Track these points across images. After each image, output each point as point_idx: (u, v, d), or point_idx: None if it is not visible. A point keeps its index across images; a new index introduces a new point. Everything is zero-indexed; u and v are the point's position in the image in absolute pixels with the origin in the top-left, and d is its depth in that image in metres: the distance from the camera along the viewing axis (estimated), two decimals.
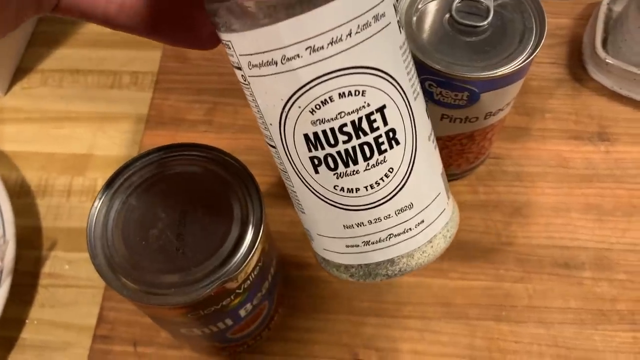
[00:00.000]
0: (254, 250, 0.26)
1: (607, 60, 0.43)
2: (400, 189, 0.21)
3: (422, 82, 0.33)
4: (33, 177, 0.47)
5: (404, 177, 0.21)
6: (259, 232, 0.27)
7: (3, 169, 0.46)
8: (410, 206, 0.22)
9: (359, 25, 0.19)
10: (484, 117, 0.35)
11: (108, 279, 0.26)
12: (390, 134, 0.20)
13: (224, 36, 0.20)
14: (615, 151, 0.43)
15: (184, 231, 0.27)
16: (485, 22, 0.32)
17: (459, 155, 0.38)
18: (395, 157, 0.21)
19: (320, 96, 0.19)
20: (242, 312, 0.30)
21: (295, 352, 0.37)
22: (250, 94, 0.21)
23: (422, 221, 0.22)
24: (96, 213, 0.28)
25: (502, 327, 0.37)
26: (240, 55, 0.20)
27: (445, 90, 0.32)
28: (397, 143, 0.21)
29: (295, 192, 0.23)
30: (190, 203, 0.28)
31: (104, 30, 0.58)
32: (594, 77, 0.45)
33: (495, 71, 0.31)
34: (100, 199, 0.28)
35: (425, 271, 0.39)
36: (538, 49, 0.32)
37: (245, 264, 0.26)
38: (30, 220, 0.45)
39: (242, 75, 0.20)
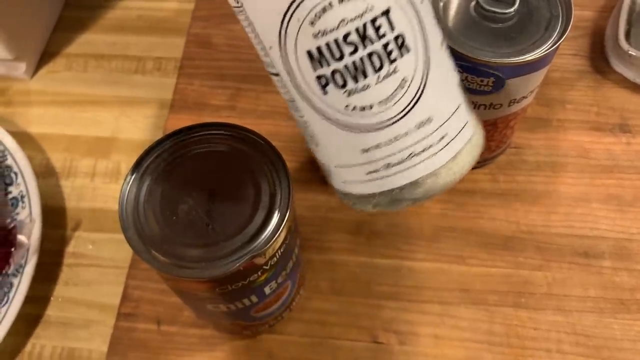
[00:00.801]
0: (282, 227, 0.27)
1: (630, 52, 0.44)
2: (417, 101, 0.19)
3: None
4: (58, 158, 0.48)
5: (419, 88, 0.19)
6: (287, 209, 0.27)
7: (29, 150, 0.47)
8: (430, 120, 0.20)
9: None
10: (507, 104, 0.35)
11: (139, 251, 0.27)
12: (399, 40, 0.19)
13: None
14: (636, 143, 0.43)
15: (213, 208, 0.28)
16: (512, 9, 0.33)
17: None
18: (407, 66, 0.19)
19: (318, 3, 0.18)
20: (267, 290, 0.31)
21: (316, 334, 0.37)
22: (245, 18, 0.19)
23: (445, 135, 0.20)
24: (128, 188, 0.28)
25: (521, 313, 0.37)
26: None
27: (471, 75, 0.33)
28: (408, 50, 0.19)
29: (305, 122, 0.22)
30: (219, 180, 0.29)
31: (129, 16, 0.59)
32: (616, 69, 0.45)
33: (521, 57, 0.31)
34: (132, 174, 0.29)
35: (444, 257, 0.39)
36: (564, 36, 0.32)
37: (273, 240, 0.27)
38: (56, 201, 0.46)
39: None
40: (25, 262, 0.40)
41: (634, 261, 0.39)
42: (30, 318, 0.41)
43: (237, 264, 0.26)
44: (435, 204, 0.41)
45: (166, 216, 0.28)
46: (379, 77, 0.19)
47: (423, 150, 0.20)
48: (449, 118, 0.21)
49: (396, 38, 0.19)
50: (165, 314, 0.38)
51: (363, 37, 0.18)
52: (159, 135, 0.47)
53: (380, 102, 0.19)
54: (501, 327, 0.37)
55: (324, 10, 0.18)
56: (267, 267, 0.28)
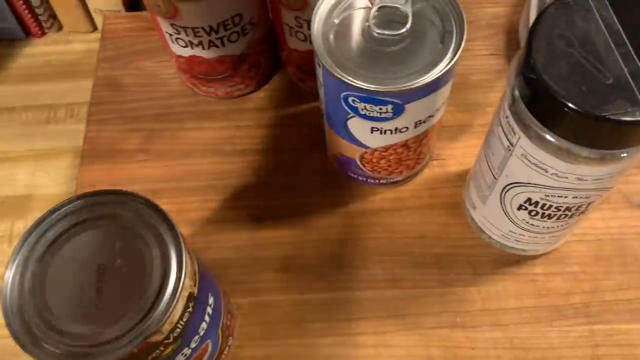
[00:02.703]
0: (176, 298, 0.25)
1: None
2: None
3: (345, 99, 0.32)
4: None
5: None
6: (180, 277, 0.26)
7: None
8: None
9: None
10: (414, 126, 0.34)
11: (26, 346, 0.25)
12: None
13: None
14: None
15: (103, 286, 0.26)
16: (404, 30, 0.31)
17: (397, 163, 0.38)
18: None
19: None
20: (180, 358, 0.29)
21: None
22: None
23: None
24: (11, 275, 0.27)
25: (457, 333, 0.37)
26: None
27: (369, 104, 0.31)
28: None
29: None
30: (109, 256, 0.27)
31: (36, 63, 0.56)
32: None
33: (414, 82, 0.30)
34: (14, 260, 0.27)
35: (375, 283, 0.38)
36: (459, 54, 0.31)
37: (168, 314, 0.25)
38: None
39: None
40: None
41: (565, 264, 0.38)
42: None
43: (129, 348, 0.24)
44: (362, 228, 0.40)
45: (54, 302, 0.26)
46: None
47: None
48: None
49: None
50: None
51: None
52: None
53: None
54: (438, 350, 0.36)
55: None
56: (171, 340, 0.27)
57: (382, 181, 0.40)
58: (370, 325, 0.37)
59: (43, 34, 0.53)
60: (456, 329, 0.37)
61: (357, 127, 0.34)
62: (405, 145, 0.35)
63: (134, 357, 0.25)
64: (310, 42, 0.38)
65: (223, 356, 0.35)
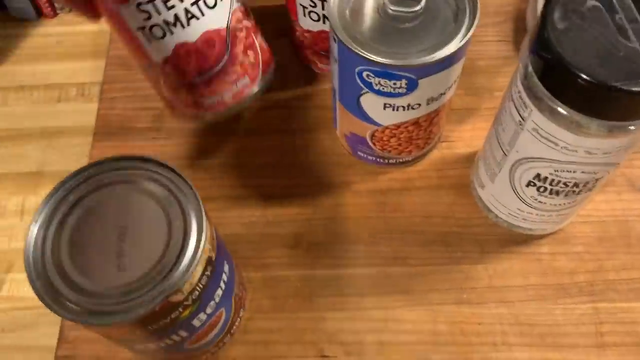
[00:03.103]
0: (196, 260, 0.26)
1: None
2: None
3: (360, 74, 0.33)
4: None
5: None
6: (201, 240, 0.27)
7: None
8: None
9: None
10: (426, 103, 0.34)
11: (49, 304, 0.26)
12: None
13: None
14: None
15: (124, 247, 0.27)
16: (418, 7, 0.32)
17: (408, 142, 0.38)
18: None
19: None
20: (197, 322, 0.30)
21: (261, 354, 0.36)
22: None
23: None
24: (33, 237, 0.27)
25: (464, 309, 0.37)
26: None
27: (383, 79, 0.32)
28: None
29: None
30: (130, 218, 0.28)
31: (48, 43, 0.57)
32: None
33: (430, 56, 0.31)
34: (36, 221, 0.27)
35: (384, 260, 0.39)
36: (472, 31, 0.32)
37: (188, 274, 0.26)
38: None
39: None
40: None
41: (570, 244, 0.39)
42: None
43: (152, 305, 0.25)
44: (371, 206, 0.41)
45: (76, 262, 0.27)
46: None
47: None
48: None
49: None
50: (105, 351, 0.37)
51: None
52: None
53: None
54: (445, 326, 0.37)
55: None
56: (189, 302, 0.27)
57: (391, 161, 0.41)
58: (378, 301, 0.38)
59: (55, 14, 0.54)
60: (463, 305, 0.37)
61: (370, 103, 0.35)
62: (416, 123, 0.36)
63: (154, 316, 0.26)
64: (324, 21, 0.39)
65: (234, 327, 0.36)
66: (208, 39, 0.35)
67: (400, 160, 0.41)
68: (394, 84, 0.32)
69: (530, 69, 0.28)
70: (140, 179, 0.28)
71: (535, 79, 0.28)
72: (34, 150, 0.48)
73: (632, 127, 0.27)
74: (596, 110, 0.27)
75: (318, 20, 0.40)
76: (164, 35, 0.34)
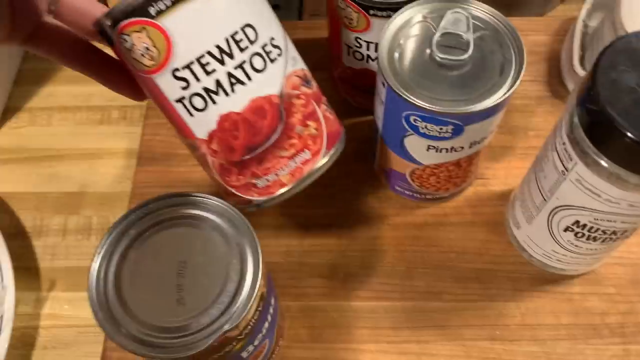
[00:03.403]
0: (253, 298, 0.27)
1: None
2: None
3: (407, 118, 0.34)
4: (27, 217, 0.47)
5: None
6: (257, 276, 0.28)
7: None
8: None
9: None
10: (469, 146, 0.36)
11: (111, 334, 0.27)
12: None
13: None
14: None
15: (183, 282, 0.28)
16: (466, 56, 0.33)
17: (447, 181, 0.39)
18: None
19: None
20: (245, 354, 0.31)
21: None
22: None
23: None
24: (97, 267, 0.28)
25: (497, 346, 0.38)
26: None
27: (430, 124, 0.33)
28: None
29: None
30: (189, 253, 0.29)
31: None
32: None
33: (476, 105, 0.32)
34: (99, 253, 0.29)
35: (419, 294, 0.40)
36: (518, 81, 0.33)
37: (245, 312, 0.27)
38: (28, 262, 0.45)
39: None
40: (0, 331, 0.39)
41: (602, 285, 0.40)
42: None
43: (210, 341, 0.26)
44: (406, 240, 0.42)
45: (136, 294, 0.28)
46: None
47: None
48: None
49: None
50: None
51: None
52: (128, 187, 0.47)
53: None
54: None
55: None
56: (242, 337, 0.29)
57: (427, 196, 0.42)
58: (413, 334, 0.39)
59: None
60: (495, 341, 0.38)
61: (414, 144, 0.36)
62: (457, 163, 0.37)
63: (210, 350, 0.27)
64: (367, 61, 0.40)
65: (274, 356, 0.37)
66: (257, 107, 0.29)
67: (437, 196, 0.42)
68: (440, 129, 0.33)
69: (576, 120, 0.29)
70: (198, 214, 0.30)
71: (581, 131, 0.29)
72: (76, 171, 0.49)
73: None
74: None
75: (361, 59, 0.41)
76: (206, 105, 0.29)
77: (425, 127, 0.34)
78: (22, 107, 0.53)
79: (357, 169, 0.45)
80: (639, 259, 0.41)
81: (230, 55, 0.28)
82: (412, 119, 0.34)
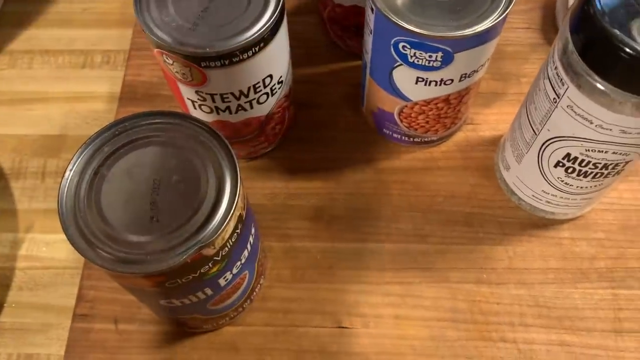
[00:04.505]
0: (230, 215, 0.26)
1: None
2: None
3: (395, 44, 0.33)
4: (6, 159, 0.46)
5: None
6: (235, 197, 0.27)
7: None
8: None
9: None
10: (458, 79, 0.34)
11: (82, 249, 0.26)
12: None
13: None
14: None
15: (157, 199, 0.27)
16: None
17: (435, 120, 0.38)
18: None
19: None
20: (222, 282, 0.30)
21: (279, 323, 0.37)
22: None
23: None
24: (67, 183, 0.27)
25: (483, 289, 0.37)
26: None
27: (419, 51, 0.32)
28: None
29: None
30: (164, 171, 0.28)
31: (74, 10, 0.57)
32: None
33: (468, 30, 0.31)
34: (71, 169, 0.27)
35: (404, 237, 0.39)
36: (511, 6, 0.32)
37: (221, 229, 0.26)
38: (5, 203, 0.44)
39: None
40: None
41: (591, 230, 0.39)
42: None
43: (184, 257, 0.25)
44: (394, 184, 0.41)
45: (109, 211, 0.27)
46: None
47: None
48: None
49: None
50: (122, 312, 0.37)
51: None
52: None
53: None
54: (464, 304, 0.37)
55: None
56: (219, 258, 0.28)
57: (416, 139, 0.41)
58: (397, 276, 0.38)
59: None
60: (482, 284, 0.38)
61: (402, 77, 0.35)
62: (446, 100, 0.36)
63: (184, 268, 0.26)
64: None
65: (254, 293, 0.36)
66: (247, 121, 0.37)
67: (426, 140, 0.41)
68: (430, 56, 0.32)
69: (570, 45, 0.28)
70: (176, 134, 0.28)
71: (576, 55, 0.28)
72: (57, 114, 0.48)
73: None
74: (636, 85, 0.27)
75: None
76: (210, 112, 0.36)
77: (415, 54, 0.32)
78: (2, 49, 0.51)
79: (345, 113, 0.44)
80: (630, 205, 0.40)
81: (246, 96, 0.35)
82: (400, 46, 0.32)
